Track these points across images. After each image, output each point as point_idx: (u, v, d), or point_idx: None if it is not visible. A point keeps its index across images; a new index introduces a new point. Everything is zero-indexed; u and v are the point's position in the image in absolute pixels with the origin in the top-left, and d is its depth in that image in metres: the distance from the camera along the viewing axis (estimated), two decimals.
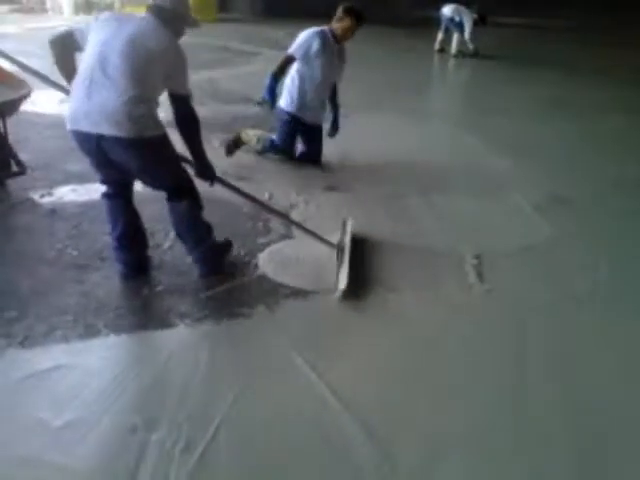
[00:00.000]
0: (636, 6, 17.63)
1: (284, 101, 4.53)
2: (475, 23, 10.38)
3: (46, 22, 11.90)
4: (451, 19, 10.45)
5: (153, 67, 2.64)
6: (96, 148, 2.65)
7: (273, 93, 4.34)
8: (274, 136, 4.66)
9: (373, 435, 2.13)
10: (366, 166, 4.24)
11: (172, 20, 2.75)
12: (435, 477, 2.01)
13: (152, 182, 2.92)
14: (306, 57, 4.33)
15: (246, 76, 8.34)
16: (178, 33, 2.82)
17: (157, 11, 2.73)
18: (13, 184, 3.91)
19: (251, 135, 4.71)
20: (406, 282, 3.15)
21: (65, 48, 2.80)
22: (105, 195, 2.95)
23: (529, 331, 2.81)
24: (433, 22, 11.27)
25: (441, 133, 6.09)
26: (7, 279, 2.94)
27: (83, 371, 2.41)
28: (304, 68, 4.38)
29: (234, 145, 4.68)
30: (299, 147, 4.73)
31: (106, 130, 2.56)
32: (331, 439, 2.11)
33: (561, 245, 3.68)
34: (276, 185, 4.30)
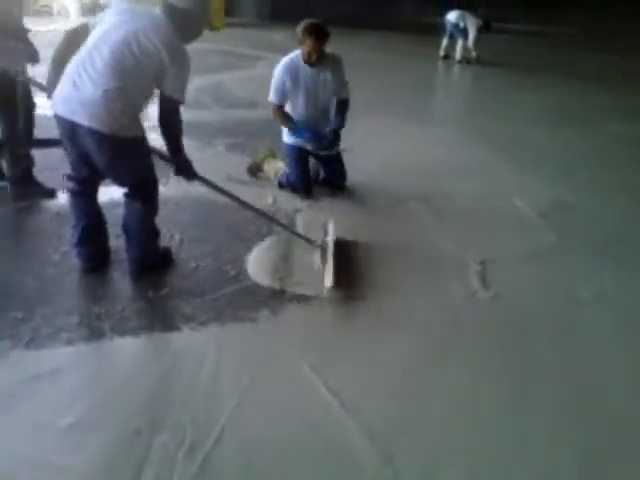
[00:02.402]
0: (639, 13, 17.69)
1: (284, 134, 4.31)
2: (480, 30, 10.40)
3: (53, 25, 11.96)
4: (456, 25, 10.47)
5: (144, 66, 2.62)
6: (70, 135, 2.67)
7: (296, 127, 4.13)
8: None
9: (376, 439, 2.13)
10: (370, 170, 4.25)
11: (183, 20, 2.72)
12: None
13: (115, 178, 2.91)
14: (284, 98, 4.11)
15: (252, 80, 8.38)
16: (190, 34, 2.79)
17: (169, 10, 2.71)
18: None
19: (271, 167, 4.47)
20: (410, 287, 3.16)
21: (70, 45, 2.79)
22: (70, 191, 2.97)
23: (534, 335, 2.82)
24: (438, 28, 11.29)
25: (444, 138, 6.09)
26: (13, 281, 2.95)
27: (88, 373, 2.43)
28: (287, 108, 4.18)
29: (257, 169, 4.55)
30: (322, 173, 4.47)
31: (80, 119, 2.58)
32: (334, 443, 2.11)
33: (565, 251, 3.68)
34: (279, 190, 4.31)
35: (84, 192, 2.97)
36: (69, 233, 3.07)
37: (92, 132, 2.59)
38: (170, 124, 2.81)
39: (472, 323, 2.89)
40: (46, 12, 14.79)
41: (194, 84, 7.43)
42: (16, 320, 2.65)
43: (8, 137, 3.69)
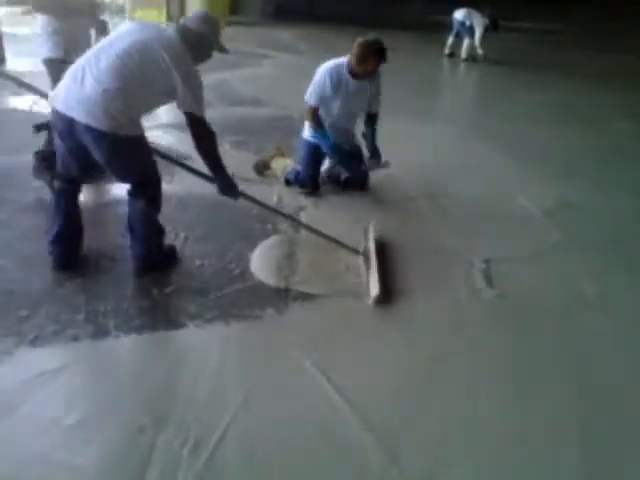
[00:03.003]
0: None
1: (306, 130, 4.27)
2: (486, 29, 10.37)
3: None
4: (462, 23, 10.44)
5: (150, 75, 2.66)
6: (67, 131, 2.69)
7: (326, 135, 4.10)
8: (299, 167, 4.35)
9: (381, 438, 2.13)
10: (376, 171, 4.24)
11: (195, 42, 2.79)
12: None
13: (116, 176, 2.94)
14: (321, 100, 4.06)
15: (256, 78, 8.39)
16: (201, 56, 2.86)
17: (182, 31, 2.78)
18: (22, 184, 3.95)
19: (279, 165, 4.45)
20: (414, 286, 3.16)
21: None
22: (56, 190, 2.98)
23: (538, 335, 2.81)
24: (444, 26, 11.27)
25: (449, 136, 6.08)
26: (18, 278, 2.96)
27: (93, 371, 2.44)
28: (320, 108, 4.13)
29: (263, 167, 4.52)
30: (342, 174, 4.40)
31: (78, 116, 2.60)
32: (339, 442, 2.12)
33: (569, 250, 3.67)
34: (284, 188, 4.31)
35: (68, 192, 2.99)
36: (46, 229, 3.08)
37: (88, 129, 2.61)
38: (201, 141, 2.85)
39: (476, 322, 2.89)
40: None
41: None
42: (21, 317, 2.65)
43: None
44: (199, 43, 2.82)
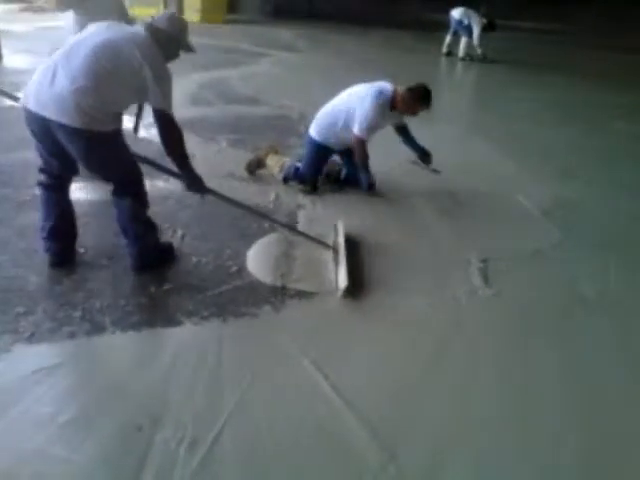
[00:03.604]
0: None
1: (317, 132, 4.24)
2: (484, 28, 10.38)
3: (55, 21, 11.94)
4: (460, 22, 10.45)
5: (122, 72, 2.66)
6: (42, 130, 2.70)
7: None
8: (299, 164, 4.35)
9: (378, 436, 2.13)
10: (372, 166, 4.24)
11: (165, 42, 2.82)
12: (441, 478, 2.01)
13: (96, 172, 2.93)
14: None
15: (254, 77, 8.39)
16: (169, 55, 2.89)
17: (152, 30, 2.81)
18: (19, 182, 3.94)
19: (275, 161, 4.45)
20: (411, 284, 3.16)
21: None
22: (41, 185, 2.97)
23: (536, 334, 2.82)
24: (442, 25, 11.28)
25: (447, 136, 6.08)
26: (15, 275, 2.95)
27: (89, 367, 2.43)
28: (341, 128, 4.13)
29: (256, 165, 4.51)
30: (343, 171, 4.44)
31: (51, 114, 2.60)
32: (336, 440, 2.11)
33: (568, 249, 3.67)
34: (282, 187, 4.31)
35: (55, 186, 2.98)
36: (39, 226, 3.07)
37: (62, 126, 2.61)
38: (169, 137, 2.84)
39: (473, 321, 2.89)
40: (50, 8, 14.75)
41: (197, 80, 7.46)
42: (18, 314, 2.65)
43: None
44: (168, 42, 2.85)
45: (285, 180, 4.35)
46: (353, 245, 3.47)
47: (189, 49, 2.99)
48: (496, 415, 2.30)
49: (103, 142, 2.72)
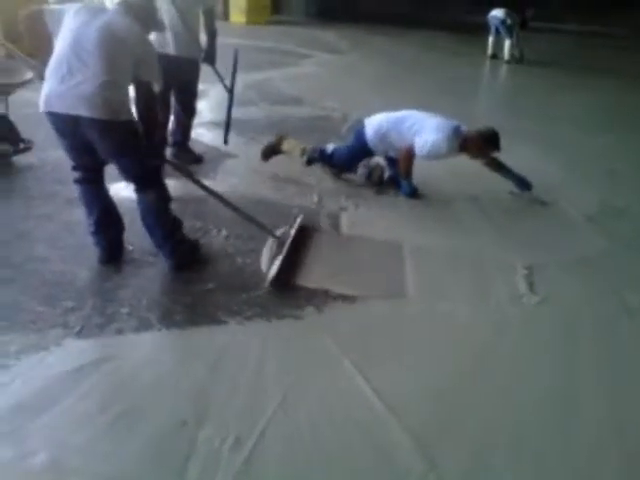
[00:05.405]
0: None
1: (374, 134, 4.18)
2: (519, 27, 10.44)
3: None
4: (503, 21, 10.34)
5: (123, 55, 2.75)
6: (71, 130, 2.77)
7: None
8: (329, 148, 4.40)
9: (419, 441, 2.12)
10: (415, 170, 4.21)
11: (140, 15, 2.89)
12: None
13: (119, 168, 2.98)
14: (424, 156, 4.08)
15: (298, 78, 8.42)
16: (147, 27, 2.97)
17: (127, 6, 2.86)
18: (30, 178, 4.07)
19: (292, 145, 4.50)
20: (455, 289, 3.13)
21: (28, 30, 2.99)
22: (77, 181, 3.05)
23: (581, 343, 2.76)
24: (486, 28, 11.14)
25: None
26: (65, 270, 3.03)
27: (135, 364, 2.47)
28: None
29: (272, 151, 4.56)
30: (386, 172, 4.45)
31: (83, 112, 2.67)
32: (377, 443, 2.11)
33: (614, 256, 3.59)
34: (325, 188, 4.32)
35: (91, 179, 3.05)
36: (87, 223, 3.14)
37: (95, 122, 2.69)
38: (150, 108, 2.98)
39: (518, 327, 2.85)
40: None
41: (242, 80, 7.52)
42: (67, 309, 2.72)
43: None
44: (146, 15, 2.94)
45: (309, 162, 4.44)
46: (309, 238, 3.49)
47: (160, 27, 3.21)
48: (539, 423, 2.27)
49: (128, 132, 2.81)
